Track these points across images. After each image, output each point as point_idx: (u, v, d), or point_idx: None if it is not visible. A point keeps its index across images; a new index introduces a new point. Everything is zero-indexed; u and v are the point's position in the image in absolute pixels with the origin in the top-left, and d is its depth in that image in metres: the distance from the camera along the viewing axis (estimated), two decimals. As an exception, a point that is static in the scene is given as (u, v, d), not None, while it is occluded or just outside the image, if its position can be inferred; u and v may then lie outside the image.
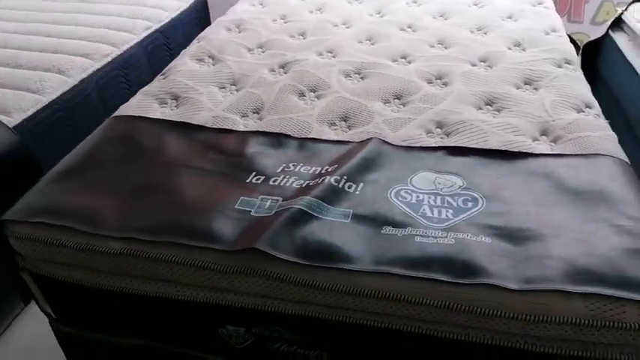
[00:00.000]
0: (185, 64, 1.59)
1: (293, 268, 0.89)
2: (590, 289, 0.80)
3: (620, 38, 2.04)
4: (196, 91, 1.44)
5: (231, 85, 1.51)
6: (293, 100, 1.42)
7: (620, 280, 0.81)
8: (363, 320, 0.91)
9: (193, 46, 1.74)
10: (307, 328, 0.96)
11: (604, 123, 1.26)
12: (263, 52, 1.71)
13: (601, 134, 1.20)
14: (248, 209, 1.02)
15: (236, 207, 1.02)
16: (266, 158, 1.18)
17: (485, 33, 1.80)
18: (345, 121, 1.33)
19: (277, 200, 1.04)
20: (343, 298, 0.89)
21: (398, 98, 1.42)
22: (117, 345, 1.12)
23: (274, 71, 1.58)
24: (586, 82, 1.47)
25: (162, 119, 1.31)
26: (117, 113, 1.35)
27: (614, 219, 0.94)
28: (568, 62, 1.57)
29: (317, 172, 1.12)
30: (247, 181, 1.10)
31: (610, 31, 2.12)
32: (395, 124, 1.29)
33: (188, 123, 1.29)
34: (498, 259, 0.87)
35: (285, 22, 1.93)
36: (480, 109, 1.36)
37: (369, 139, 1.21)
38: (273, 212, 1.00)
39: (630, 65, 1.84)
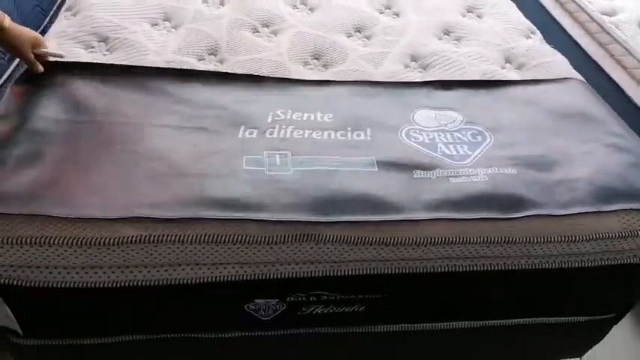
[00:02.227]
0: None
1: (344, 228, 0.81)
2: (621, 206, 0.88)
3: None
4: (127, 29, 1.16)
5: (164, 20, 1.26)
6: (248, 37, 1.24)
7: (638, 193, 0.91)
8: (409, 269, 0.88)
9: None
10: (350, 287, 0.90)
11: (551, 48, 1.35)
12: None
13: (557, 59, 1.29)
14: (260, 168, 0.89)
15: (245, 168, 0.89)
16: (248, 107, 1.02)
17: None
18: (317, 59, 1.22)
19: (286, 154, 0.92)
20: (399, 250, 0.84)
21: (359, 31, 1.34)
22: (107, 347, 0.92)
23: (207, 3, 1.35)
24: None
25: (103, 64, 1.04)
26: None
27: (603, 137, 1.04)
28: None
29: (312, 119, 1.01)
30: (239, 136, 0.95)
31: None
32: (371, 59, 1.22)
33: (139, 67, 1.05)
34: (532, 188, 0.91)
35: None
36: (441, 39, 1.35)
37: (350, 80, 1.13)
38: (291, 171, 0.89)
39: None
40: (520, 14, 1.50)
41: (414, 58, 1.25)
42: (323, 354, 1.06)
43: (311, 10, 1.40)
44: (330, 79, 1.13)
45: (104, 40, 1.13)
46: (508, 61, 1.29)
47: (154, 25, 1.23)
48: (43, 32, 1.16)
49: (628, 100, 1.43)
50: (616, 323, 1.10)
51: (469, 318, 1.01)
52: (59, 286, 0.78)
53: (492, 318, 1.02)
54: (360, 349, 1.05)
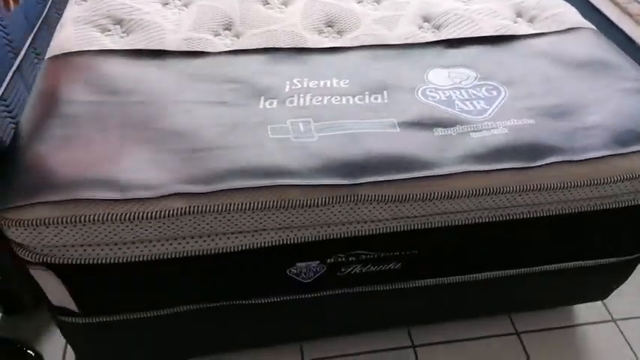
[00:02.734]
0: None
1: (382, 187, 0.84)
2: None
3: None
4: (140, 10, 1.17)
5: (175, -1, 1.26)
6: (261, 10, 1.24)
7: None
8: (443, 222, 0.91)
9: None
10: (387, 244, 0.93)
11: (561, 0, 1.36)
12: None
13: (566, 9, 1.29)
14: (285, 136, 0.91)
15: (271, 136, 0.90)
16: (266, 78, 1.04)
17: None
18: (331, 26, 1.22)
19: (309, 121, 0.94)
20: (434, 204, 0.87)
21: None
22: (163, 318, 0.96)
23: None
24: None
25: (125, 50, 1.05)
26: (54, 51, 1.03)
27: (618, 83, 1.06)
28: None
29: (329, 86, 1.03)
30: (260, 107, 0.97)
31: None
32: (385, 23, 1.22)
33: (160, 50, 1.06)
34: (552, 136, 0.93)
35: None
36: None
37: (365, 45, 1.14)
38: (316, 137, 0.91)
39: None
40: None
41: (426, 19, 1.26)
42: (360, 312, 1.10)
43: (318, -22, 1.39)
44: (345, 46, 1.14)
45: (119, 22, 1.14)
46: (519, 15, 1.29)
47: (165, 4, 1.23)
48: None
49: (637, 46, 1.45)
50: (639, 263, 1.14)
51: (500, 267, 1.04)
52: (113, 261, 0.81)
53: (520, 266, 1.06)
54: (396, 305, 1.09)
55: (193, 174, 0.81)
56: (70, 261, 0.79)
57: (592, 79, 1.07)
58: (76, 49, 1.03)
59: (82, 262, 0.80)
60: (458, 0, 1.35)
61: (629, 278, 1.18)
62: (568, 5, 1.32)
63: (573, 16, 1.26)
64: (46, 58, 1.02)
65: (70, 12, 1.16)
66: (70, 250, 0.79)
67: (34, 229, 0.75)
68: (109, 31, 1.12)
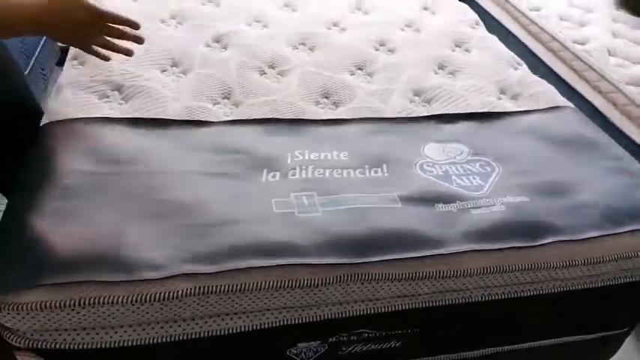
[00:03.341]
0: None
1: (389, 266, 0.84)
2: (635, 227, 0.94)
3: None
4: (140, 77, 1.17)
5: (173, 66, 1.27)
6: (258, 79, 1.27)
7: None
8: (447, 300, 0.91)
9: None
10: (390, 322, 0.92)
11: (538, 77, 1.44)
12: (181, 23, 1.46)
13: (547, 88, 1.38)
14: (290, 210, 0.90)
15: (275, 211, 0.90)
16: (267, 149, 1.04)
17: (390, -3, 1.85)
18: (327, 97, 1.25)
19: (312, 195, 0.95)
20: (440, 282, 0.87)
21: (361, 69, 1.39)
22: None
23: (210, 47, 1.38)
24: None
25: (125, 118, 1.04)
26: (52, 117, 1.01)
27: (602, 161, 1.12)
28: (477, 23, 1.73)
29: (329, 158, 1.04)
30: (264, 180, 0.97)
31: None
32: (379, 96, 1.26)
33: (160, 119, 1.05)
34: (548, 214, 0.96)
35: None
36: (437, 73, 1.42)
37: (362, 118, 1.17)
38: (320, 212, 0.91)
39: (490, 16, 2.13)
40: (503, 47, 1.59)
41: (417, 93, 1.31)
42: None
43: (311, 49, 1.44)
44: (342, 118, 1.17)
45: (118, 88, 1.13)
46: (503, 92, 1.36)
47: (164, 71, 1.24)
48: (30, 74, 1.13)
49: (609, 122, 1.55)
50: (628, 336, 1.16)
51: (498, 344, 1.04)
52: (109, 346, 0.76)
53: (517, 342, 1.06)
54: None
55: (199, 252, 0.79)
56: (63, 346, 0.74)
57: (578, 157, 1.12)
58: (75, 116, 1.01)
59: (76, 347, 0.75)
60: (444, 76, 1.41)
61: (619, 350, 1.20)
62: (546, 84, 1.41)
63: (554, 95, 1.34)
64: (43, 124, 1.00)
65: (67, 76, 1.14)
66: (64, 334, 0.75)
67: (28, 313, 0.70)
68: (108, 97, 1.11)
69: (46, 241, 0.75)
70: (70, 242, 0.75)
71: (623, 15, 2.03)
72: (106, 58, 1.01)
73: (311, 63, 1.35)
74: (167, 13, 1.49)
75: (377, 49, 1.50)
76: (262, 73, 1.30)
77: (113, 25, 0.90)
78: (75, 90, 1.09)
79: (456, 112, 1.23)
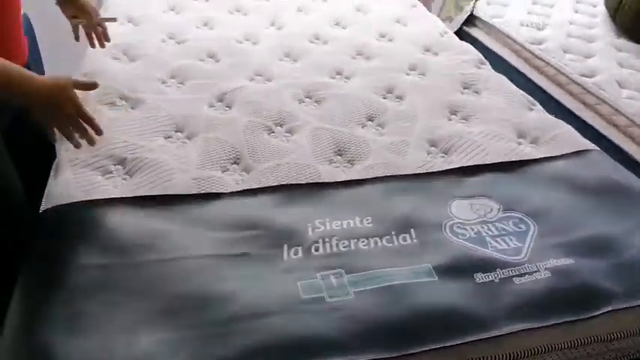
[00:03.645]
0: (98, 113, 1.20)
1: (432, 356, 0.76)
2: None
3: (475, 32, 2.29)
4: (143, 147, 1.11)
5: (177, 131, 1.21)
6: (267, 139, 1.21)
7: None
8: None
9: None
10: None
11: (554, 118, 1.39)
12: (182, 83, 1.41)
13: (566, 130, 1.32)
14: (319, 295, 0.83)
15: (303, 297, 0.82)
16: (285, 220, 0.98)
17: (390, 40, 1.82)
18: (340, 155, 1.19)
19: (340, 273, 0.88)
20: (488, 365, 0.79)
21: (371, 120, 1.33)
22: None
23: (215, 106, 1.32)
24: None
25: (132, 197, 0.97)
26: (53, 201, 0.94)
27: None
28: (482, 62, 1.69)
29: (352, 226, 0.98)
30: (285, 258, 0.90)
31: (464, 27, 2.36)
32: (394, 150, 1.20)
33: (168, 195, 0.98)
34: (597, 278, 0.89)
35: (178, 43, 1.63)
36: (450, 119, 1.37)
37: (381, 176, 1.11)
38: (352, 294, 0.83)
39: (493, 53, 2.09)
40: (513, 86, 1.55)
41: (433, 143, 1.25)
42: None
43: (317, 102, 1.39)
44: (359, 178, 1.10)
45: (121, 162, 1.07)
46: (521, 135, 1.31)
47: (168, 137, 1.18)
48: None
49: (630, 159, 1.49)
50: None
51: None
52: None
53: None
54: None
55: (222, 357, 0.71)
56: None
57: (614, 206, 1.06)
58: (78, 199, 0.94)
59: None
60: (458, 121, 1.36)
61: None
62: (564, 124, 1.36)
63: (575, 137, 1.29)
64: (43, 209, 0.93)
65: (67, 153, 1.07)
66: None
67: None
68: (111, 172, 1.04)
69: (56, 356, 0.66)
70: (79, 354, 0.67)
71: (626, 43, 2.01)
72: (78, 146, 0.96)
73: (319, 117, 1.30)
74: (167, 72, 1.44)
75: (385, 97, 1.45)
76: (270, 132, 1.24)
77: (81, 122, 0.94)
78: (76, 168, 1.03)
79: (477, 163, 1.17)
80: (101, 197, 0.95)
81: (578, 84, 1.74)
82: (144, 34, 1.64)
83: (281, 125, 1.27)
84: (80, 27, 1.29)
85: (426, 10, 2.14)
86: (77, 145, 0.94)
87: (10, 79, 0.82)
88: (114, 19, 1.45)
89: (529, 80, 1.89)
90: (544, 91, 1.82)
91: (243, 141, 1.18)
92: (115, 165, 1.06)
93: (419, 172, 1.14)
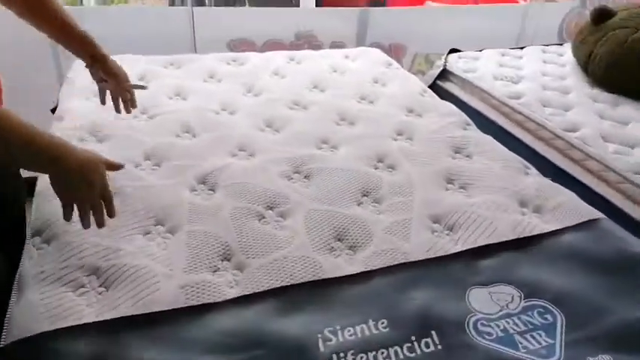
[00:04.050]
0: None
1: None
2: None
3: (450, 86, 2.29)
4: (121, 250, 0.98)
5: (157, 224, 1.09)
6: (258, 227, 1.10)
7: None
8: None
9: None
10: None
11: (552, 183, 1.35)
12: (158, 165, 1.30)
13: (569, 197, 1.27)
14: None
15: None
16: (291, 332, 0.86)
17: (371, 102, 1.77)
18: (340, 240, 1.10)
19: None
20: None
21: (366, 195, 1.25)
22: None
23: (196, 191, 1.21)
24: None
25: (111, 320, 0.83)
26: (15, 333, 0.79)
27: None
28: (468, 123, 1.66)
29: (367, 333, 0.87)
30: None
31: (437, 82, 2.36)
32: (397, 231, 1.12)
33: (151, 313, 0.85)
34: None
35: (151, 118, 1.53)
36: (447, 189, 1.31)
37: (389, 266, 1.02)
38: None
39: (471, 108, 2.08)
40: (504, 148, 1.51)
41: (435, 219, 1.18)
42: None
43: (307, 178, 1.30)
44: (366, 270, 1.01)
45: (95, 271, 0.93)
46: (523, 204, 1.25)
47: (147, 233, 1.06)
48: None
49: (627, 217, 1.45)
50: None
51: None
52: None
53: None
54: None
55: None
56: None
57: (635, 283, 1.00)
58: (45, 329, 0.79)
59: None
60: (456, 191, 1.30)
61: None
62: (566, 190, 1.31)
63: (579, 205, 1.24)
64: (4, 344, 0.78)
65: (30, 266, 0.93)
66: None
67: None
68: (84, 286, 0.91)
69: None
70: None
71: (601, 93, 2.03)
72: (87, 226, 0.91)
73: (312, 197, 1.21)
74: (140, 153, 1.33)
75: (376, 167, 1.38)
76: (261, 217, 1.14)
77: (101, 203, 0.92)
78: (41, 286, 0.88)
79: (485, 241, 1.09)
80: (73, 323, 0.81)
81: (563, 139, 1.72)
82: (111, 109, 1.53)
83: (272, 208, 1.17)
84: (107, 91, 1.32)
85: (400, 67, 2.13)
86: (87, 226, 0.90)
87: (39, 139, 0.79)
88: (144, 87, 1.44)
89: (511, 136, 1.87)
90: (528, 147, 1.80)
91: (233, 232, 1.07)
92: (87, 276, 0.92)
93: (428, 256, 1.05)
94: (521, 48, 2.58)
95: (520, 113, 1.90)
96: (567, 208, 1.22)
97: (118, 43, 2.05)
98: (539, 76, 2.19)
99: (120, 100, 1.32)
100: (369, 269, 1.00)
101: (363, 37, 2.40)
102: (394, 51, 2.54)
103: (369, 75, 1.97)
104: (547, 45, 2.65)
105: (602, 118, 1.83)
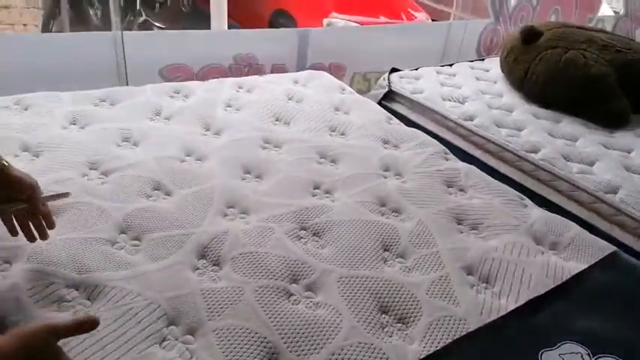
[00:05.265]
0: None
1: None
2: None
3: (397, 107, 2.26)
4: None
5: (170, 325, 0.86)
6: (292, 310, 0.94)
7: None
8: None
9: None
10: None
11: (555, 215, 1.35)
12: (138, 239, 1.06)
13: (577, 231, 1.28)
14: None
15: None
16: None
17: (342, 134, 1.67)
18: (386, 312, 0.98)
19: None
20: None
21: (387, 249, 1.15)
22: None
23: (200, 269, 1.01)
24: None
25: None
26: None
27: None
28: (447, 152, 1.63)
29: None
30: None
31: (383, 102, 2.32)
32: (440, 292, 1.02)
33: None
34: None
35: (105, 175, 1.25)
36: (462, 232, 1.25)
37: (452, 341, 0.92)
38: None
39: (426, 130, 2.07)
40: (491, 179, 1.50)
41: (469, 271, 1.11)
42: None
43: (317, 235, 1.16)
44: (436, 350, 0.90)
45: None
46: (539, 242, 1.24)
47: (163, 341, 0.84)
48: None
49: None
50: None
51: None
52: None
53: None
54: None
55: None
56: None
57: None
58: None
59: None
60: (470, 233, 1.25)
61: None
62: (570, 223, 1.32)
63: (590, 239, 1.25)
64: None
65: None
66: None
67: None
68: None
69: None
70: None
71: (537, 109, 2.14)
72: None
73: (333, 260, 1.07)
74: (112, 227, 1.07)
75: (383, 214, 1.28)
76: (289, 295, 0.97)
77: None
78: None
79: (529, 293, 1.05)
80: None
81: (528, 161, 1.76)
82: (53, 169, 1.23)
83: (296, 281, 1.01)
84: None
85: (355, 92, 2.05)
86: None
87: None
88: (66, 194, 1.05)
89: (476, 159, 1.88)
90: (495, 170, 1.82)
91: (269, 323, 0.89)
92: None
93: (483, 320, 0.97)
94: (450, 65, 2.65)
95: (479, 135, 1.92)
96: (581, 244, 1.22)
97: (25, 78, 1.71)
98: (480, 94, 2.25)
99: (31, 225, 0.92)
100: (435, 349, 0.89)
101: (304, 57, 2.27)
102: (334, 71, 2.45)
103: (328, 103, 1.85)
104: (472, 61, 2.76)
105: (554, 137, 1.92)
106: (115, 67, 1.81)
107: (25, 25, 4.78)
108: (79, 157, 1.28)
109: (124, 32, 1.76)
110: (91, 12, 3.72)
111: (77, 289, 0.90)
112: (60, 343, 0.64)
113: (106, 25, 2.88)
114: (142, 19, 3.48)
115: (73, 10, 3.53)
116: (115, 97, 1.64)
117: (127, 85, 1.87)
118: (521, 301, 1.03)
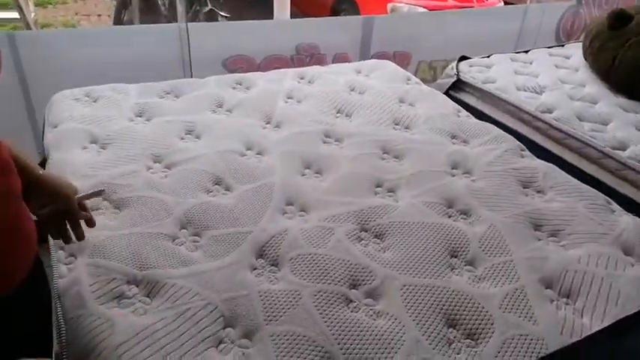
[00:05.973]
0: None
1: None
2: None
3: (465, 97, 2.13)
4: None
5: (227, 327, 0.85)
6: (351, 318, 0.89)
7: None
8: None
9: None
10: None
11: (639, 219, 1.21)
12: (198, 235, 1.05)
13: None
14: None
15: None
16: None
17: (407, 127, 1.58)
18: (454, 327, 0.90)
19: None
20: None
21: (455, 256, 1.07)
22: None
23: (257, 269, 0.98)
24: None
25: None
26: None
27: None
28: (522, 149, 1.51)
29: None
30: None
31: (450, 92, 2.19)
32: (515, 307, 0.94)
33: None
34: None
35: (169, 168, 1.26)
36: (540, 239, 1.14)
37: None
38: None
39: (500, 123, 1.93)
40: (573, 179, 1.37)
41: (547, 284, 1.01)
42: None
43: (378, 237, 1.10)
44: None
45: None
46: (628, 253, 1.11)
47: (220, 344, 0.82)
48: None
49: None
50: None
51: None
52: None
53: None
54: None
55: None
56: None
57: None
58: None
59: None
60: (549, 241, 1.14)
61: None
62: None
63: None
64: None
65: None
66: None
67: None
68: None
69: None
70: None
71: (625, 101, 1.94)
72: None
73: (395, 266, 1.00)
74: (173, 222, 1.07)
75: (450, 216, 1.20)
76: (349, 302, 0.93)
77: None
78: None
79: (616, 311, 0.94)
80: None
81: (614, 159, 1.60)
82: (119, 161, 1.25)
83: (356, 287, 0.96)
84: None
85: (421, 83, 1.95)
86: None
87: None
88: (101, 192, 1.06)
89: (555, 156, 1.73)
90: (577, 169, 1.66)
91: (328, 332, 0.85)
92: None
93: (564, 341, 0.87)
94: (526, 51, 2.47)
95: (558, 130, 1.77)
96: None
97: (91, 72, 1.76)
98: (559, 84, 2.07)
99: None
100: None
101: (367, 46, 2.19)
102: (399, 59, 2.35)
103: (392, 94, 1.77)
104: (550, 47, 2.56)
105: (645, 132, 1.73)
106: (180, 58, 1.83)
107: (99, 15, 5.02)
108: (144, 150, 1.29)
109: (188, 24, 1.76)
110: (159, 1, 3.83)
111: (137, 286, 0.90)
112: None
113: (173, 14, 2.94)
114: (207, 8, 3.52)
115: (143, 0, 3.65)
116: (179, 89, 1.65)
117: (192, 76, 1.88)
118: (608, 321, 0.92)
